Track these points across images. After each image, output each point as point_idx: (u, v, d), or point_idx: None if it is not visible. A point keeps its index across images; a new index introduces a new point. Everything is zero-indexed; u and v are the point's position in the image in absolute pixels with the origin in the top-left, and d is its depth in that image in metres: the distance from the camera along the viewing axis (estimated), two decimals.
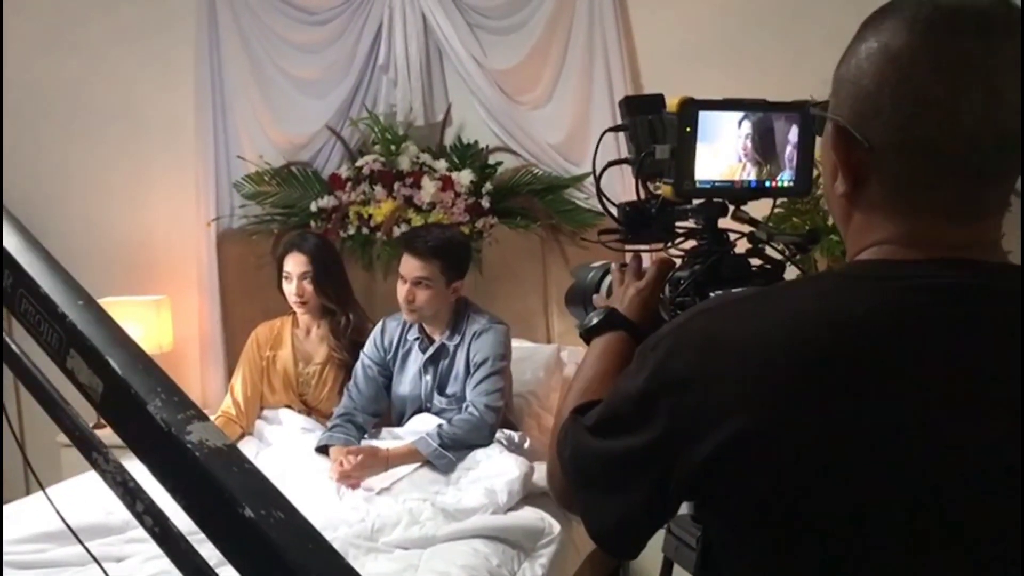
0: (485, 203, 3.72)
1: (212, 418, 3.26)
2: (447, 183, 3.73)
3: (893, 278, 0.87)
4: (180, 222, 4.07)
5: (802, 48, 3.41)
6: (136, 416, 0.75)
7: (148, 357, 0.81)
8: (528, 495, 2.67)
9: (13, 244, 0.88)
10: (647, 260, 1.38)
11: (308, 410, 3.31)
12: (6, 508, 2.92)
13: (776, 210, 3.26)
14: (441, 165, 3.77)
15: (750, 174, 1.35)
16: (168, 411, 0.74)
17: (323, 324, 3.30)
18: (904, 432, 0.82)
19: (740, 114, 1.33)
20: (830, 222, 3.23)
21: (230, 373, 3.85)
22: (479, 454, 2.80)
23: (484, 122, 3.82)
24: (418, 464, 2.81)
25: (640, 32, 3.67)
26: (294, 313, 3.35)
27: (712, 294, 1.24)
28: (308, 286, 3.23)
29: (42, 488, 1.14)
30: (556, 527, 2.56)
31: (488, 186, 3.73)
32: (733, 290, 1.22)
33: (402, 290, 2.97)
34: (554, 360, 3.43)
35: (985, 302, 0.86)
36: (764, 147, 1.36)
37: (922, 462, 0.82)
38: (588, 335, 1.28)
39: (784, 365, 0.84)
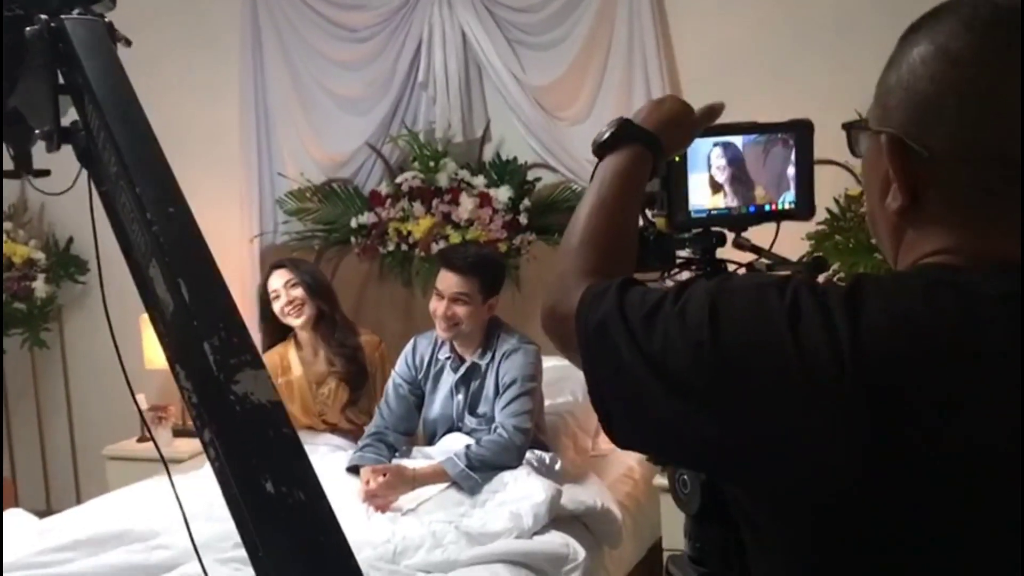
0: (523, 219, 3.70)
1: None
2: (485, 199, 3.73)
3: (966, 284, 0.79)
4: (224, 238, 4.11)
5: (845, 63, 3.32)
6: (193, 349, 0.73)
7: (223, 285, 0.78)
8: (554, 519, 2.63)
9: (123, 124, 0.86)
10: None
11: (330, 428, 3.32)
12: (54, 519, 2.98)
13: (819, 226, 3.20)
14: (479, 181, 3.77)
15: (730, 200, 1.31)
16: (223, 352, 0.72)
17: (322, 339, 3.31)
18: (985, 449, 0.75)
19: (710, 140, 1.29)
20: (874, 240, 3.14)
21: None
22: (506, 476, 2.77)
23: (523, 138, 3.81)
24: (445, 484, 2.79)
25: (680, 47, 3.63)
26: (293, 338, 3.36)
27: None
28: (297, 291, 3.26)
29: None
30: (581, 554, 2.52)
31: (526, 202, 3.72)
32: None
33: (439, 306, 2.96)
34: None
35: None
36: (760, 170, 1.32)
37: (1007, 480, 0.75)
38: (600, 153, 1.13)
39: (857, 369, 0.75)
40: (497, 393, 2.96)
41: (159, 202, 0.81)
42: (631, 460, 3.30)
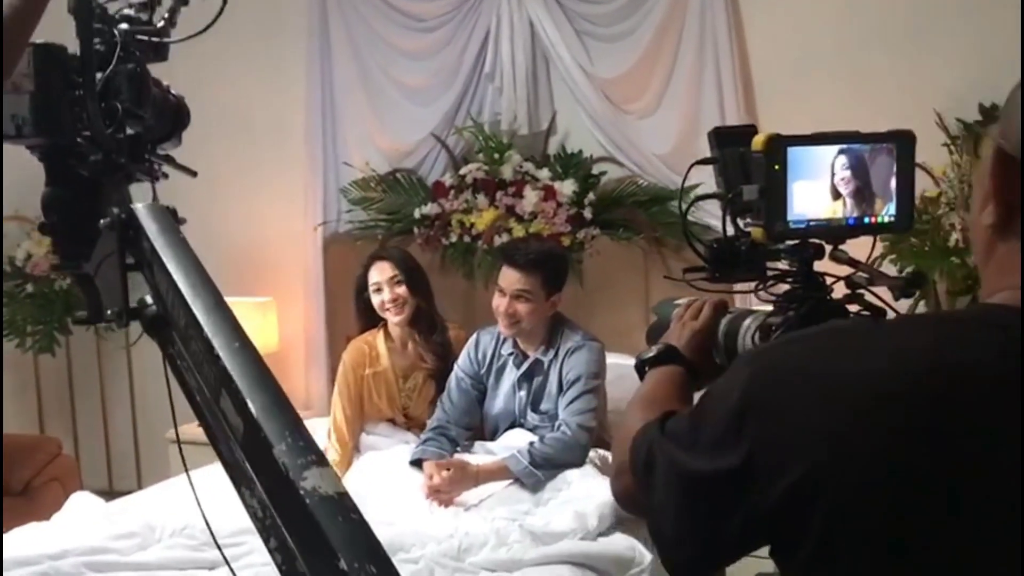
0: (587, 214, 3.67)
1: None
2: (549, 193, 3.70)
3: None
4: (288, 226, 4.16)
5: (921, 62, 3.24)
6: (264, 456, 0.82)
7: (286, 401, 0.88)
8: (619, 520, 2.61)
9: (189, 284, 0.99)
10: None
11: (408, 423, 3.32)
12: (118, 503, 3.03)
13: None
14: (544, 175, 3.74)
15: (849, 211, 1.27)
16: (291, 455, 0.81)
17: (417, 335, 3.28)
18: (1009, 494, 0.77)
19: (835, 148, 1.26)
20: (950, 243, 3.06)
21: (333, 375, 3.91)
22: (570, 475, 2.76)
23: (589, 131, 3.78)
24: (508, 481, 2.79)
25: (753, 40, 3.56)
26: (383, 328, 3.32)
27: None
28: (401, 289, 3.19)
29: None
30: (647, 557, 2.49)
31: (591, 196, 3.69)
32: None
33: (501, 303, 2.94)
34: None
35: None
36: (862, 181, 1.28)
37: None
38: (645, 365, 1.31)
39: (879, 408, 0.80)
40: (560, 390, 2.95)
41: (226, 340, 0.93)
42: None
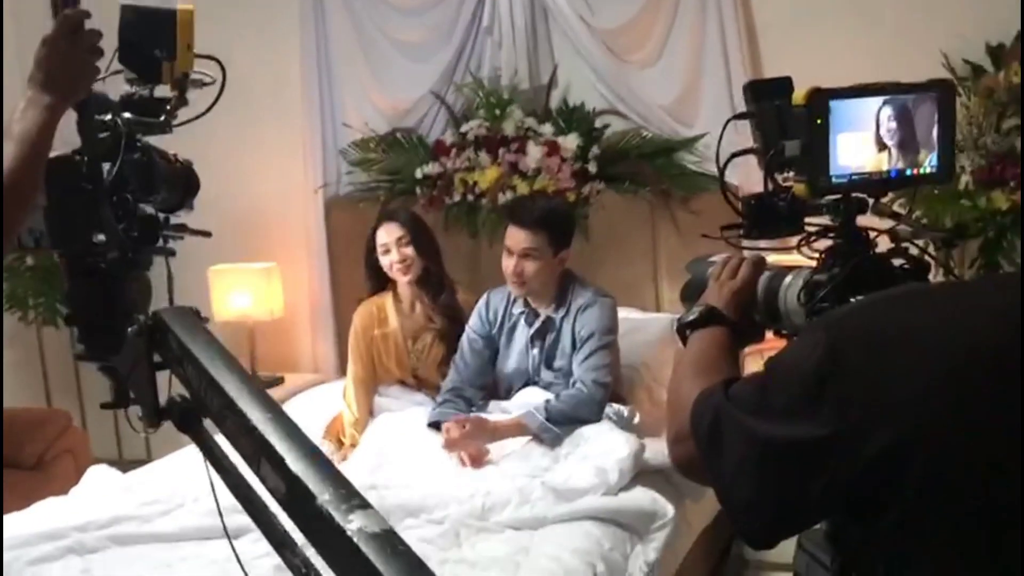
0: (592, 168, 3.64)
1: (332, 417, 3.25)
2: (553, 148, 3.67)
3: None
4: (288, 189, 4.12)
5: (926, 3, 3.19)
6: (310, 508, 0.88)
7: (321, 456, 0.95)
8: (639, 473, 2.62)
9: (218, 369, 1.07)
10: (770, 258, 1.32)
11: (418, 384, 3.32)
12: (135, 475, 3.04)
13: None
14: (547, 130, 3.70)
15: (893, 162, 1.25)
16: (334, 503, 0.87)
17: (425, 296, 3.26)
18: None
19: (878, 99, 1.24)
20: (960, 185, 3.04)
21: (340, 339, 3.90)
22: (587, 431, 2.77)
23: (591, 84, 3.74)
24: (526, 439, 2.80)
25: None
26: (392, 289, 3.31)
27: (852, 300, 1.16)
28: (408, 250, 3.17)
29: None
30: (670, 510, 2.51)
31: (595, 150, 3.66)
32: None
33: (509, 263, 2.93)
34: (667, 331, 3.35)
35: None
36: (907, 131, 1.26)
37: None
38: (688, 328, 1.30)
39: (969, 366, 0.80)
40: (574, 347, 2.95)
41: (259, 412, 1.00)
42: None
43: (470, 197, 3.78)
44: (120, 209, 1.26)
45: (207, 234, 1.40)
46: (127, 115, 1.32)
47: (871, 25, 3.31)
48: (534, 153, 3.68)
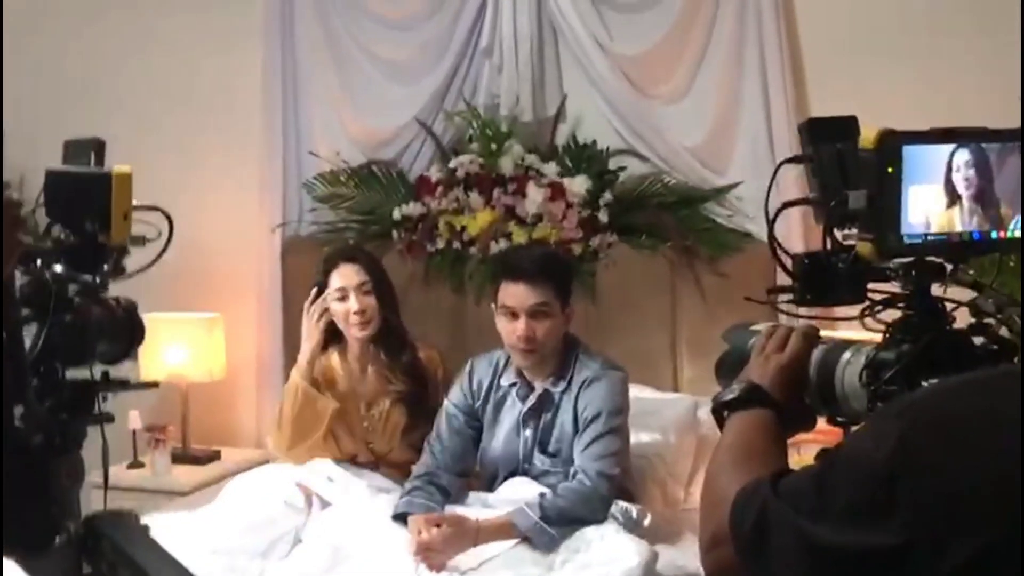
0: (603, 217, 3.67)
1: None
2: (557, 191, 3.70)
3: None
4: (239, 227, 4.11)
5: (1005, 40, 3.24)
6: None
7: None
8: None
9: None
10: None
11: (376, 461, 3.28)
12: None
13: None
14: (551, 169, 3.73)
15: (970, 222, 1.25)
16: None
17: (382, 354, 3.24)
18: None
19: (960, 147, 1.24)
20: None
21: None
22: (589, 533, 2.72)
23: (606, 118, 3.78)
24: (514, 541, 2.75)
25: (804, 12, 3.57)
26: (339, 347, 3.29)
27: (925, 384, 1.15)
28: (370, 300, 3.16)
29: None
30: None
31: (607, 196, 3.69)
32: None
33: (514, 326, 2.89)
34: (688, 416, 3.34)
35: None
36: (986, 183, 1.26)
37: None
38: (727, 408, 1.30)
39: None
40: (576, 430, 2.92)
41: None
42: None
43: (457, 244, 3.79)
44: (47, 382, 1.28)
45: (155, 385, 1.49)
46: (58, 268, 1.35)
47: (936, 61, 3.37)
48: (535, 196, 3.70)
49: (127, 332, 1.41)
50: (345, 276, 3.17)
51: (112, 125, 4.29)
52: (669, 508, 3.15)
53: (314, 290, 3.24)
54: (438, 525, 2.77)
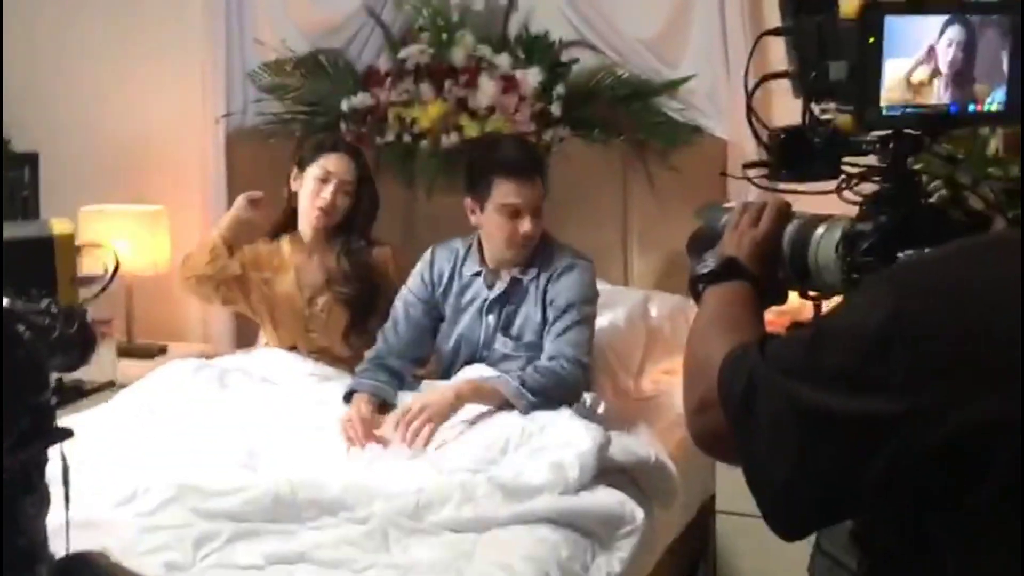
0: (556, 110, 3.65)
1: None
2: (510, 83, 3.66)
3: None
4: (182, 118, 4.05)
5: None
6: None
7: None
8: (603, 471, 2.62)
9: None
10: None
11: (317, 352, 3.27)
12: None
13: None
14: (503, 61, 3.69)
15: (950, 96, 1.26)
16: None
17: (328, 251, 3.23)
18: None
19: (941, 19, 1.24)
20: (989, 151, 3.10)
21: None
22: (541, 417, 2.73)
23: (558, 8, 3.73)
24: (465, 426, 2.75)
25: None
26: (294, 230, 3.28)
27: (901, 255, 1.16)
28: (344, 201, 3.17)
29: None
30: (639, 515, 2.51)
31: (560, 89, 3.66)
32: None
33: (516, 225, 2.87)
34: (639, 309, 3.36)
35: None
36: (966, 61, 1.27)
37: None
38: (704, 281, 1.31)
39: None
40: (544, 319, 2.92)
41: None
42: (681, 406, 3.29)
43: (407, 137, 3.76)
44: (7, 418, 1.26)
45: (109, 385, 1.47)
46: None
47: None
48: (487, 88, 3.66)
49: (79, 341, 1.40)
50: (337, 165, 3.16)
51: (46, 9, 4.19)
52: (619, 399, 3.18)
53: (295, 169, 3.23)
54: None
